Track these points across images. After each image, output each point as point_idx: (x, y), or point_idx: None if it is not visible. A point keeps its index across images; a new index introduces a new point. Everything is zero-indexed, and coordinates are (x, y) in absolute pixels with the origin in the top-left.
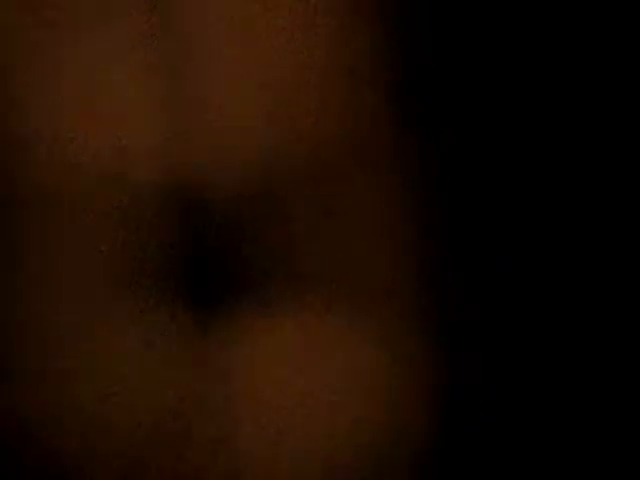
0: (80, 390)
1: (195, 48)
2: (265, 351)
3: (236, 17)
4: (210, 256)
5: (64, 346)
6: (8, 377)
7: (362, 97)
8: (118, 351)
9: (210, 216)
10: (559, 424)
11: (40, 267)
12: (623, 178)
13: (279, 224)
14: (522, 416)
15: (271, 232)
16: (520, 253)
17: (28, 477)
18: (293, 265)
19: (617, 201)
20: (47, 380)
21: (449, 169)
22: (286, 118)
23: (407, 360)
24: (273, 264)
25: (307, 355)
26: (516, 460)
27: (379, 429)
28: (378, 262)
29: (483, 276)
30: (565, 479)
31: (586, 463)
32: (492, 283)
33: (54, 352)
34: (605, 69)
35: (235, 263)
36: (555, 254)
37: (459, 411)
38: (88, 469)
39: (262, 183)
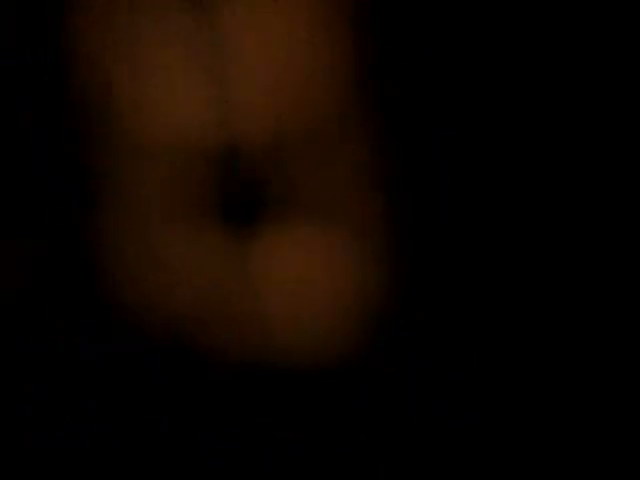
0: (160, 281)
1: (233, 48)
2: (278, 255)
3: (265, 25)
4: (244, 192)
5: (154, 253)
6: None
7: (348, 92)
8: (185, 257)
9: (244, 164)
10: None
11: (140, 203)
12: (616, 177)
13: (290, 170)
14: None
15: (284, 175)
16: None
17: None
18: (299, 198)
19: (609, 201)
20: (142, 273)
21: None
22: (295, 99)
23: (376, 261)
24: (285, 197)
25: (307, 257)
26: (468, 326)
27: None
28: (355, 197)
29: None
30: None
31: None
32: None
33: (150, 259)
34: (596, 70)
35: (259, 196)
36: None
37: (418, 291)
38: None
39: (279, 142)
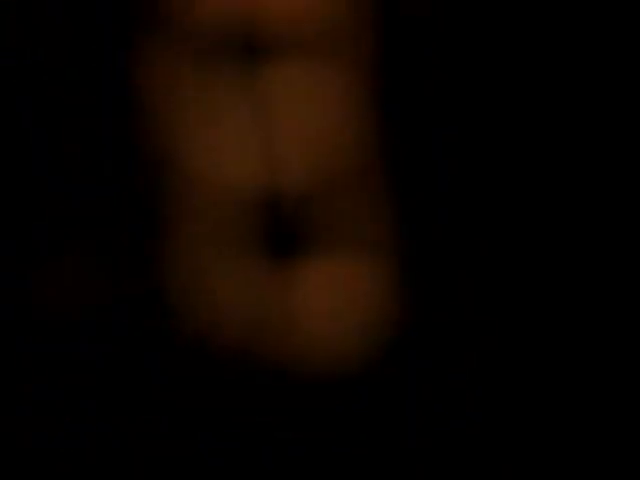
0: (207, 309)
1: (277, 106)
2: (315, 286)
3: (303, 85)
4: (285, 230)
5: (203, 277)
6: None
7: (374, 138)
8: (232, 279)
9: (286, 205)
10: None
11: (194, 240)
12: (615, 177)
13: (324, 209)
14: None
15: (320, 214)
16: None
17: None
18: (332, 234)
19: (608, 200)
20: (195, 293)
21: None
22: (329, 150)
23: (397, 286)
24: (320, 234)
25: (338, 287)
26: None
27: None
28: (379, 231)
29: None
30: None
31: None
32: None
33: (200, 279)
34: (596, 70)
35: (298, 234)
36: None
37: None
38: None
39: (315, 187)
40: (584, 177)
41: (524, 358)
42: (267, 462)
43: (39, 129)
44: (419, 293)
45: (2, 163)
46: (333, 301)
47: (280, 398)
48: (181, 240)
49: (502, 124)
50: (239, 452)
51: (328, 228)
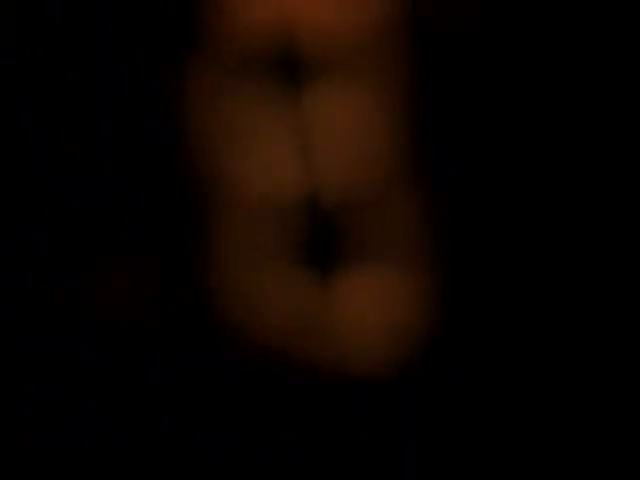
0: (246, 315)
1: (316, 119)
2: (353, 294)
3: (342, 98)
4: (323, 239)
5: (245, 283)
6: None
7: (409, 151)
8: (270, 296)
9: (325, 214)
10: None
11: (234, 248)
12: (614, 179)
13: (362, 219)
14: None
15: (357, 223)
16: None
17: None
18: (368, 244)
19: (608, 201)
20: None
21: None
22: (366, 161)
23: (428, 295)
24: (356, 243)
25: (375, 294)
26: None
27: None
28: (412, 242)
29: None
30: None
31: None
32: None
33: (242, 285)
34: (595, 71)
35: (336, 243)
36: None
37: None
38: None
39: (351, 196)
40: (584, 177)
41: (551, 367)
42: (303, 462)
43: (91, 142)
44: (451, 303)
45: (61, 174)
46: (369, 308)
47: (315, 401)
48: (225, 248)
49: (534, 138)
50: (276, 453)
51: (365, 238)
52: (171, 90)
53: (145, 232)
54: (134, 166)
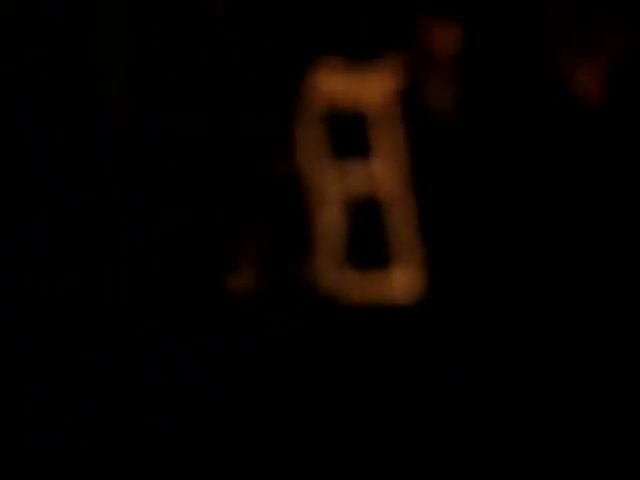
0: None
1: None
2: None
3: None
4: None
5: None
6: None
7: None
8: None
9: (382, 219)
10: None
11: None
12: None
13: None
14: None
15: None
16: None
17: None
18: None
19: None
20: None
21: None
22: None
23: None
24: (382, 250)
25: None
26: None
27: None
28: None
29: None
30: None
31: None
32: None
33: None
34: None
35: (367, 250)
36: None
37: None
38: None
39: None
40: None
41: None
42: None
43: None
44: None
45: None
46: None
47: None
48: (317, 227)
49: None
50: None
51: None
52: (287, 134)
53: (270, 217)
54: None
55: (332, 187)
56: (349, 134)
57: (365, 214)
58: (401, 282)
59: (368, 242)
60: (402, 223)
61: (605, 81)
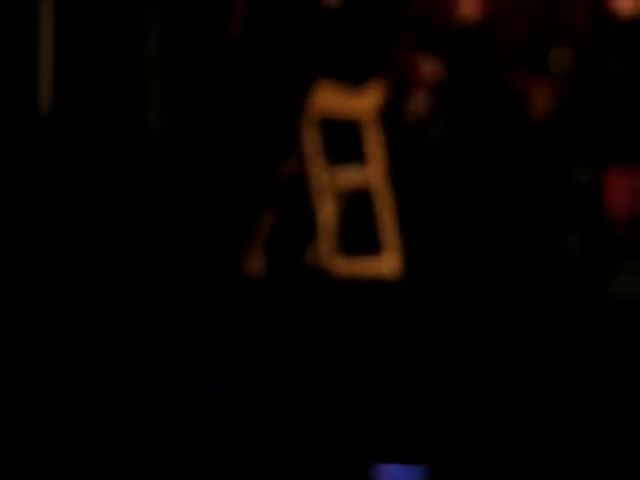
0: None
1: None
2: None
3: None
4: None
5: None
6: None
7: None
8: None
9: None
10: None
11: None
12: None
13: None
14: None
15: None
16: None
17: None
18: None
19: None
20: None
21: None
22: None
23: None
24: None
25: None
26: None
27: None
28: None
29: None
30: None
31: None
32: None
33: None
34: None
35: (358, 238)
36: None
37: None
38: None
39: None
40: None
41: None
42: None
43: None
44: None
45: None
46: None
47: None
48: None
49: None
50: None
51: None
52: (293, 140)
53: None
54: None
55: (329, 183)
56: (343, 139)
57: (357, 206)
58: (387, 263)
59: (360, 230)
60: (386, 214)
61: (555, 100)
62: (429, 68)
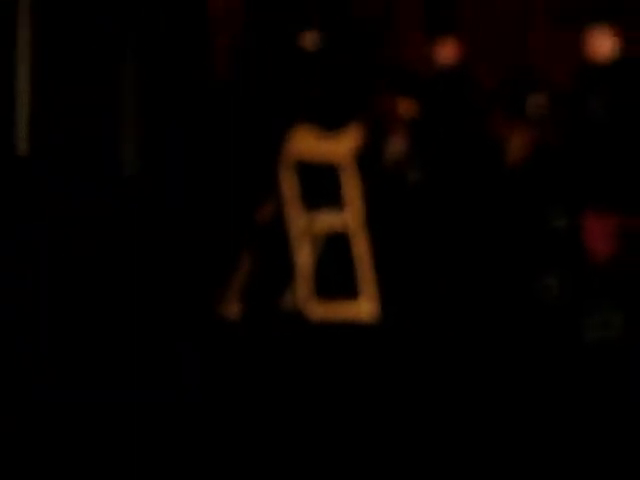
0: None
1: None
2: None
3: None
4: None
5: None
6: None
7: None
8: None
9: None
10: None
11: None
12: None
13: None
14: None
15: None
16: None
17: None
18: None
19: None
20: None
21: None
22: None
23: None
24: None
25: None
26: None
27: None
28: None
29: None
30: None
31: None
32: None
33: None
34: None
35: (335, 281)
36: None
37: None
38: None
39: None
40: None
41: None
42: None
43: None
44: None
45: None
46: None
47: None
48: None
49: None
50: None
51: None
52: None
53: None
54: None
55: (306, 227)
56: (320, 183)
57: (334, 250)
58: (364, 307)
59: (337, 273)
60: (363, 258)
61: (532, 144)
62: (406, 110)
